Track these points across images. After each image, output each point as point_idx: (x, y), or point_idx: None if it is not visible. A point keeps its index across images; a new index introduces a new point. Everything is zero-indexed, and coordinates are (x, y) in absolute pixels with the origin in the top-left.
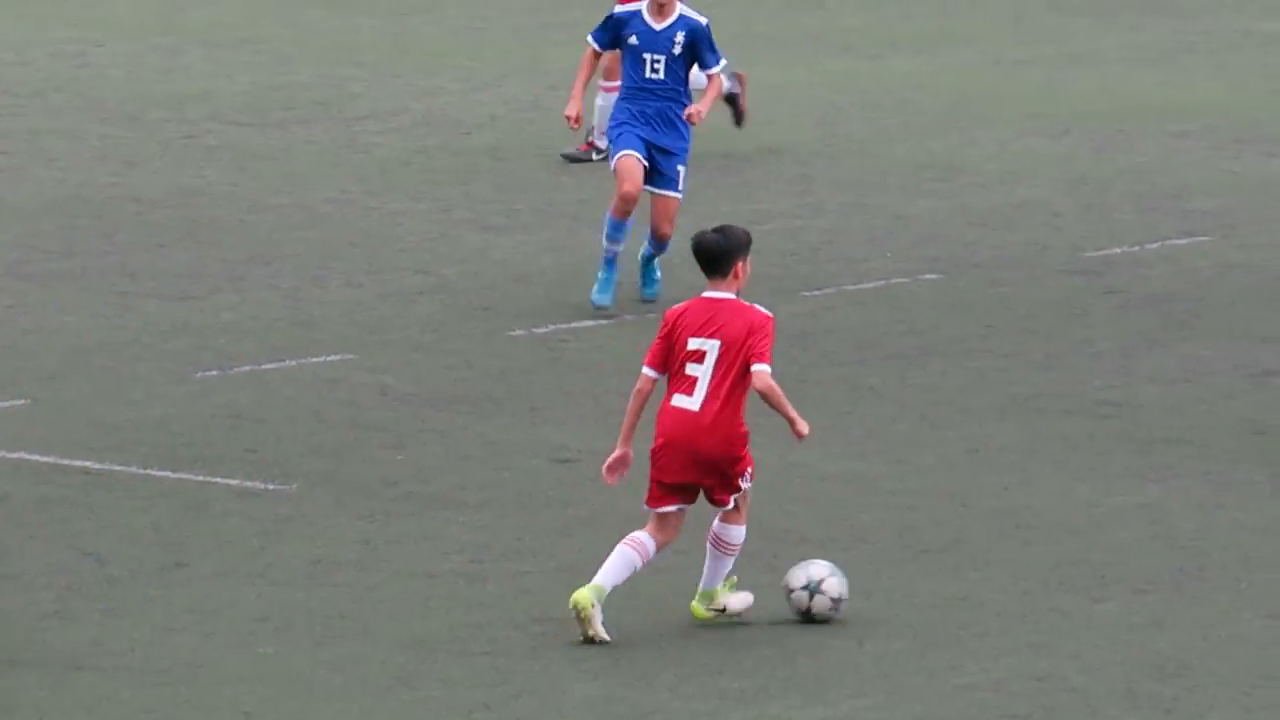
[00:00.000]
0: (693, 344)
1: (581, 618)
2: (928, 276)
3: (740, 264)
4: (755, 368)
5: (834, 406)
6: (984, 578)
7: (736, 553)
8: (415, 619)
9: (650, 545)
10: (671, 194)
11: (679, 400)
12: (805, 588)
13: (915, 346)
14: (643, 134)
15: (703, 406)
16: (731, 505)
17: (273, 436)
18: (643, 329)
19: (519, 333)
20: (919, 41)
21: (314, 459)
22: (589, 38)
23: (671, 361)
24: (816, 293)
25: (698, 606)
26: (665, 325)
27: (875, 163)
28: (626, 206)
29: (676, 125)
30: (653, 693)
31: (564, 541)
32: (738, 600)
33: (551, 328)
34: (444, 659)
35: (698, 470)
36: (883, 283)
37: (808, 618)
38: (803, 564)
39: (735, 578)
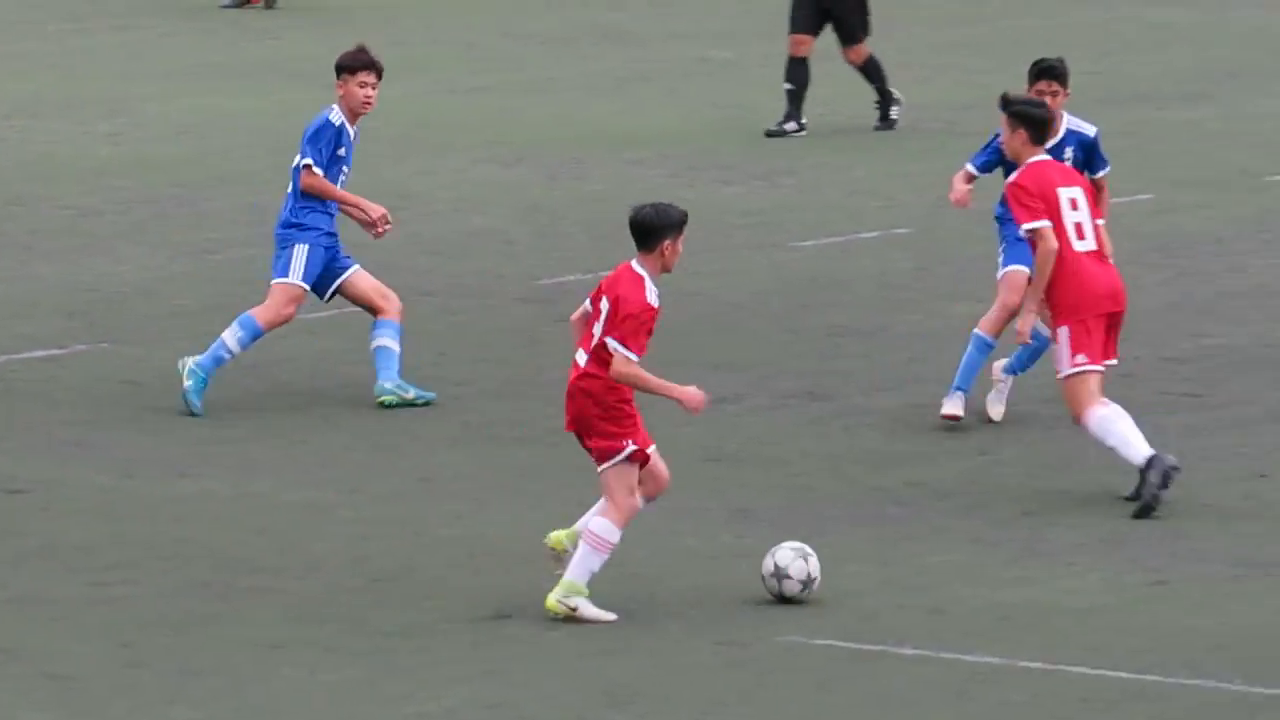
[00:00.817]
0: (602, 303)
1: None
2: None
3: (669, 243)
4: (613, 349)
5: (288, 435)
6: (436, 606)
7: (604, 550)
8: None
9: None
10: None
11: (579, 354)
12: (774, 574)
13: (368, 375)
14: (330, 245)
15: (585, 361)
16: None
17: None
18: (93, 360)
19: None
20: None
21: None
22: (310, 163)
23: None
24: None
25: (552, 600)
26: (600, 283)
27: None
28: (279, 325)
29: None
30: None
31: (15, 572)
32: (596, 611)
33: (3, 359)
34: None
35: (574, 422)
36: (325, 314)
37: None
38: (771, 550)
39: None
